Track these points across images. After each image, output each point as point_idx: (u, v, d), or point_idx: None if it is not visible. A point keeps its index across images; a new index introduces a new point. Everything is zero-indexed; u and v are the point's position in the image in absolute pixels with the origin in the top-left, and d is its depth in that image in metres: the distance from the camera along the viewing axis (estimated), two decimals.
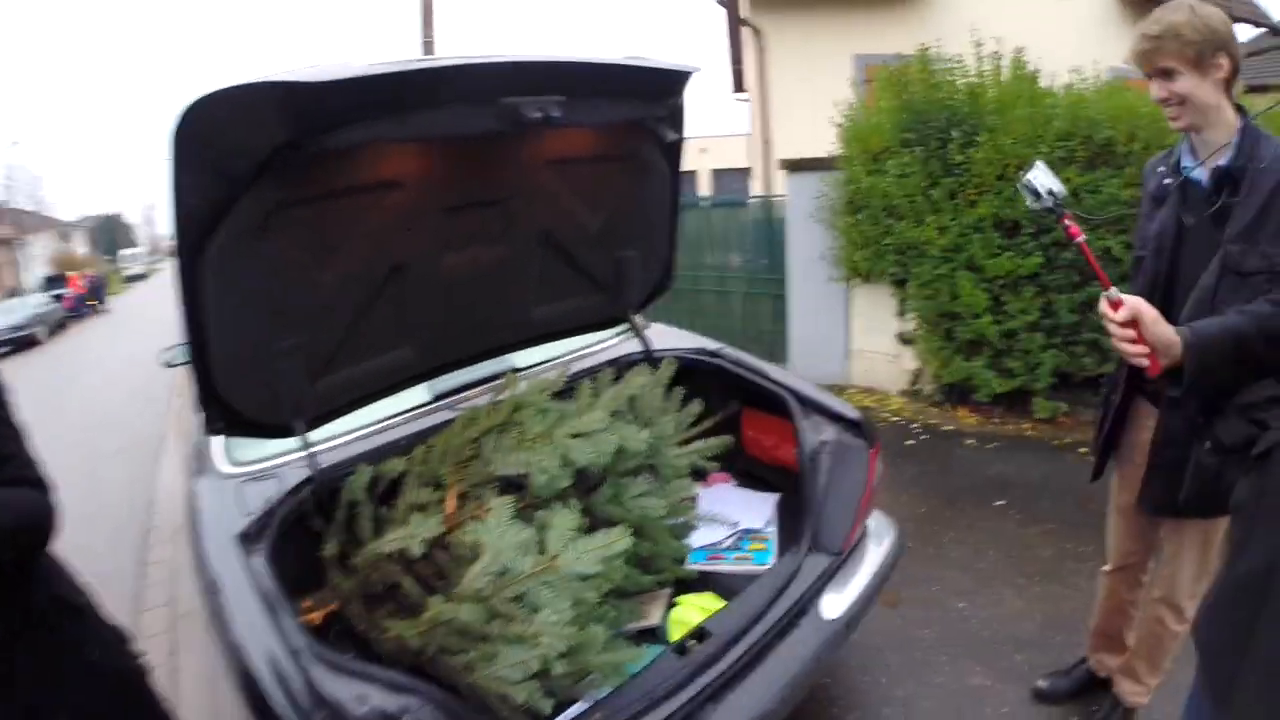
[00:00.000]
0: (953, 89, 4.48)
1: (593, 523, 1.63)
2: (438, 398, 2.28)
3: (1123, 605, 2.17)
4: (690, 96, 1.95)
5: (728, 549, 2.20)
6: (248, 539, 1.59)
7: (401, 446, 1.95)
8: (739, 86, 12.19)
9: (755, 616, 1.69)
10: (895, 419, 4.95)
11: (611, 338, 2.79)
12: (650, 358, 2.51)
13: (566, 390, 2.04)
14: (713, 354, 2.58)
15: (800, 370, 5.58)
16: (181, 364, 2.89)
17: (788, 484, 2.49)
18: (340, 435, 2.04)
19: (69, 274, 25.52)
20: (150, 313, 19.00)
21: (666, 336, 2.72)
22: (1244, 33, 10.66)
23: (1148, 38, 1.57)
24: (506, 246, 1.98)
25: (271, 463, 1.91)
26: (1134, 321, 1.27)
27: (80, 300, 22.92)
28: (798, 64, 8.53)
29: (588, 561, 1.30)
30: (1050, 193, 1.36)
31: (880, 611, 2.75)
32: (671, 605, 1.93)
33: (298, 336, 1.65)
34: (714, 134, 18.03)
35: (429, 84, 1.40)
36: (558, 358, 2.60)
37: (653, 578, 1.82)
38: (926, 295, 4.62)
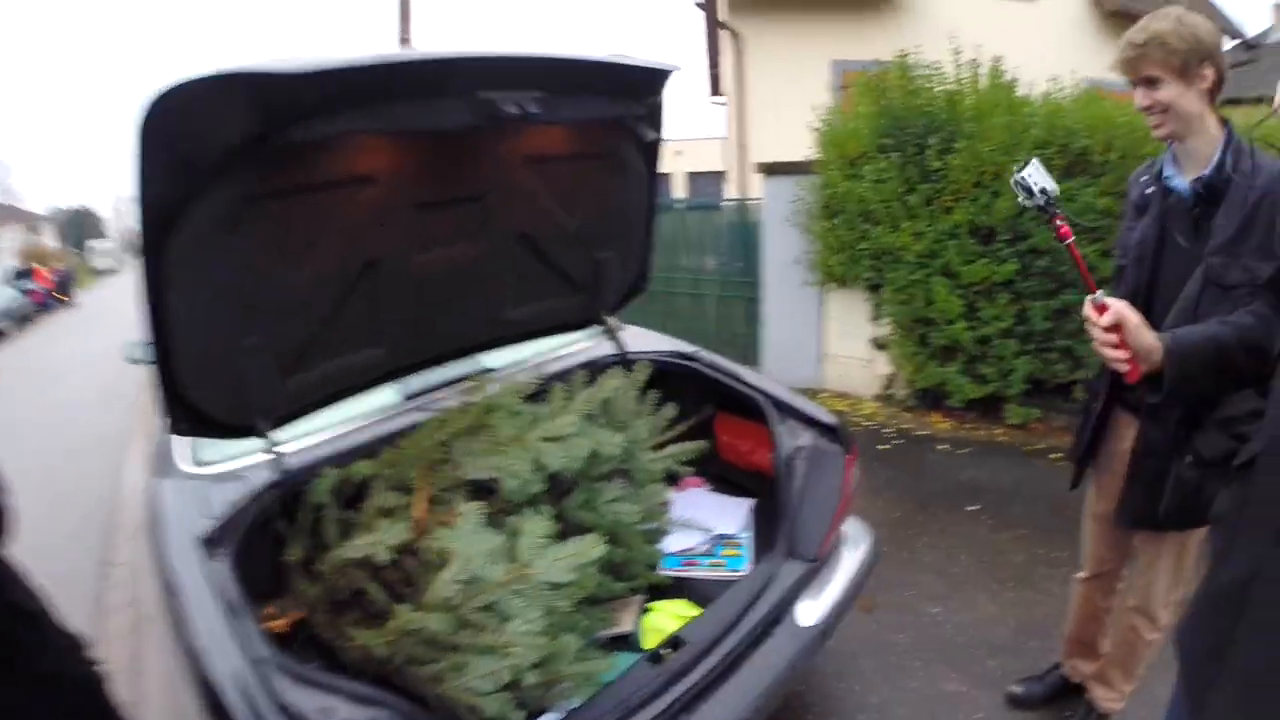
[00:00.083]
0: (931, 95, 4.51)
1: (565, 528, 1.59)
2: (408, 398, 2.23)
3: (1097, 612, 2.18)
4: (669, 96, 1.92)
5: (702, 555, 2.17)
6: (211, 543, 1.54)
7: (370, 448, 1.90)
8: (716, 90, 12.22)
9: (730, 624, 1.66)
10: (869, 423, 4.97)
11: (585, 339, 2.76)
12: (625, 360, 2.48)
13: (539, 393, 2.00)
14: (687, 357, 2.56)
15: (774, 374, 5.57)
16: (145, 361, 2.81)
17: (762, 489, 2.47)
18: (307, 436, 1.98)
19: (37, 267, 24.82)
20: (120, 307, 18.54)
21: (641, 339, 2.69)
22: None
23: (1133, 45, 1.57)
24: (481, 244, 1.93)
25: (236, 463, 1.86)
26: (1117, 326, 1.26)
27: (48, 294, 22.36)
28: (776, 68, 8.57)
29: (560, 570, 1.26)
30: (1043, 191, 1.35)
31: (855, 616, 2.74)
32: (644, 612, 1.90)
33: (265, 334, 1.60)
34: (689, 137, 18.08)
35: (403, 76, 1.36)
36: (530, 359, 2.56)
37: (625, 584, 1.79)
38: (901, 300, 4.64)
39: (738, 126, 9.16)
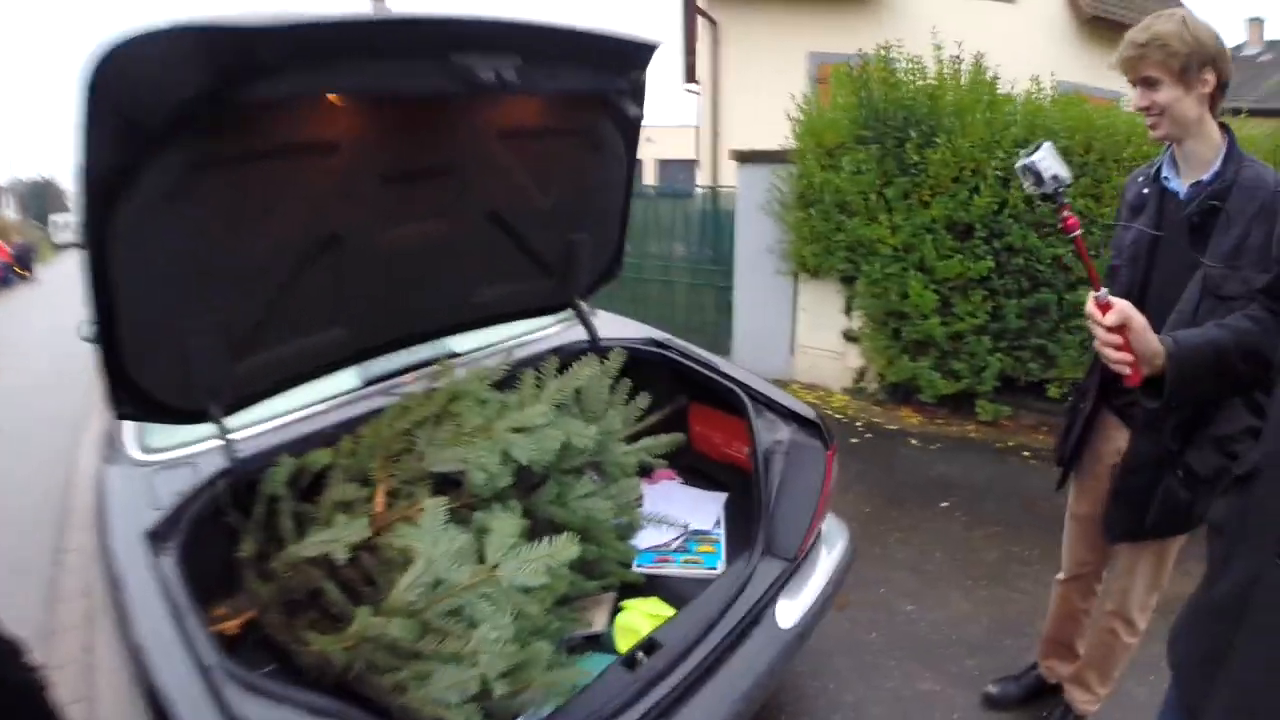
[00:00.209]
0: (913, 89, 4.47)
1: (534, 525, 1.49)
2: (369, 383, 2.11)
3: (1075, 614, 2.17)
4: (651, 74, 1.83)
5: (675, 551, 2.09)
6: (157, 537, 1.44)
7: (328, 436, 1.79)
8: (690, 77, 12.13)
9: (707, 626, 1.59)
10: (838, 417, 4.94)
11: (554, 325, 2.66)
12: (596, 347, 2.39)
13: (508, 380, 1.90)
14: (661, 345, 2.47)
15: (743, 364, 5.52)
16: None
17: (736, 482, 2.41)
18: (262, 422, 1.88)
19: None
20: (83, 283, 17.86)
21: (612, 325, 2.60)
22: None
23: (1134, 45, 1.54)
24: (450, 222, 1.82)
25: (188, 450, 1.75)
26: (1122, 327, 1.20)
27: (8, 269, 21.47)
28: (753, 57, 8.54)
29: (531, 572, 1.16)
30: (1055, 178, 1.28)
31: (829, 614, 2.71)
32: (616, 611, 1.82)
33: (217, 313, 1.50)
34: (660, 124, 17.97)
35: (371, 35, 1.25)
36: (498, 344, 2.45)
37: (597, 582, 1.70)
38: (875, 294, 4.61)
39: (712, 114, 9.11)
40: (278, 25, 1.12)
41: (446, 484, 1.46)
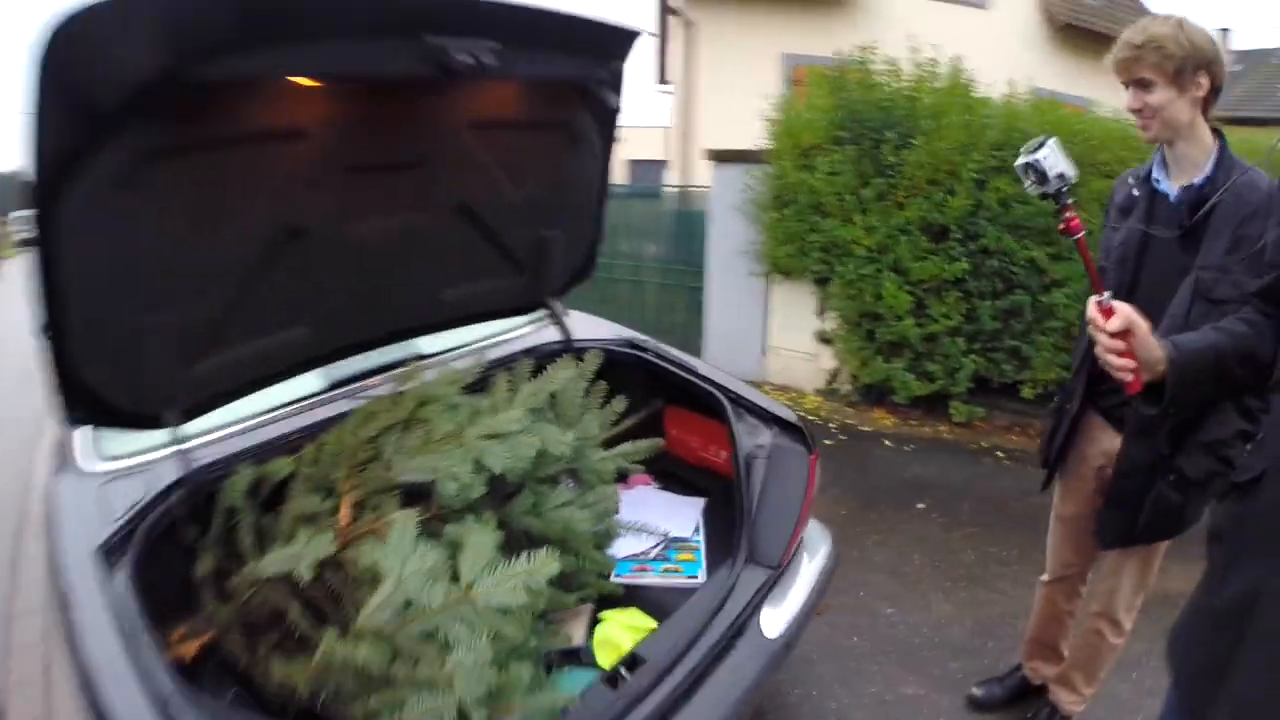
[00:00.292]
0: (891, 90, 4.46)
1: (509, 536, 1.42)
2: (333, 386, 2.01)
3: (1060, 615, 2.16)
4: (630, 64, 1.77)
5: (654, 560, 2.02)
6: (109, 553, 1.35)
7: (289, 443, 1.70)
8: (663, 77, 12.10)
9: (691, 639, 1.52)
10: (812, 418, 4.92)
11: (525, 325, 2.58)
12: (570, 348, 2.32)
13: (479, 383, 1.81)
14: (637, 346, 2.40)
15: (715, 366, 5.47)
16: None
17: (714, 487, 2.35)
18: (220, 428, 1.77)
19: None
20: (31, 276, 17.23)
21: (585, 325, 2.52)
22: None
23: (1129, 46, 1.53)
24: (420, 216, 1.73)
25: (145, 457, 1.65)
26: (1125, 333, 1.16)
27: None
28: (726, 58, 8.53)
29: (509, 591, 1.08)
30: (1060, 176, 1.23)
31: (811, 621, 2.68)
32: (594, 622, 1.74)
33: (173, 310, 1.40)
34: (631, 124, 17.89)
35: (339, 11, 1.16)
36: (468, 345, 2.36)
37: (575, 595, 1.63)
38: (849, 295, 4.60)
39: (684, 115, 9.08)
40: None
41: (415, 495, 1.38)
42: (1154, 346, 1.17)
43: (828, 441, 4.54)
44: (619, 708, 1.31)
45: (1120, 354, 1.17)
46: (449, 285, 2.01)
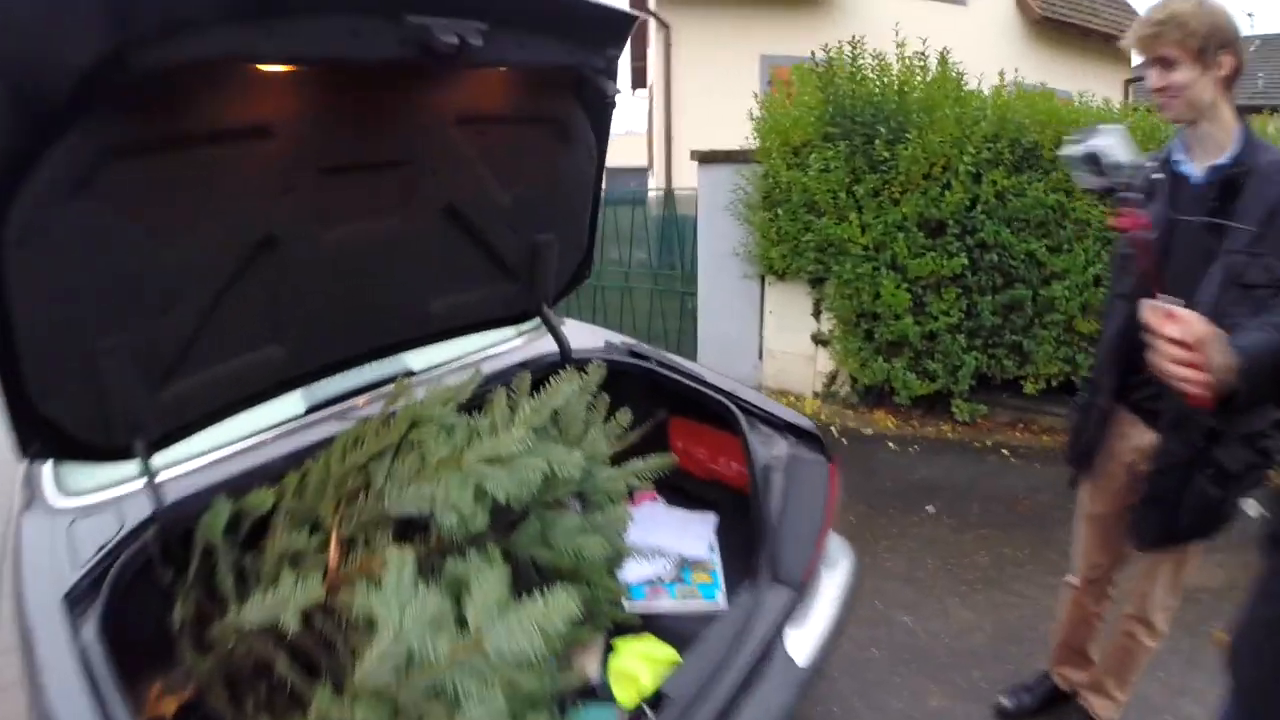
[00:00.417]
0: (882, 84, 4.39)
1: (515, 568, 1.28)
2: (314, 408, 1.87)
3: (1089, 618, 2.10)
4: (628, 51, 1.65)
5: (669, 583, 1.90)
6: (76, 600, 1.24)
7: (270, 472, 1.56)
8: (639, 83, 12.06)
9: (716, 670, 1.40)
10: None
11: (516, 336, 2.45)
12: (568, 360, 2.19)
13: (475, 401, 1.68)
14: (638, 355, 2.28)
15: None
16: None
17: (725, 501, 2.23)
18: (194, 458, 1.65)
19: None
20: None
21: (580, 334, 2.40)
22: (1140, 56, 11.46)
23: (1151, 23, 1.48)
24: (403, 221, 1.60)
25: (115, 491, 1.52)
26: (1195, 343, 1.05)
27: None
28: (704, 61, 8.51)
29: (523, 637, 0.95)
30: (1118, 167, 1.12)
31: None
32: (608, 653, 1.62)
33: (136, 329, 1.28)
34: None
35: None
36: (459, 359, 2.23)
37: (587, 627, 1.49)
38: (846, 295, 4.50)
39: (664, 118, 9.02)
40: None
41: (411, 527, 1.24)
42: (1226, 353, 1.06)
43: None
44: None
45: (1184, 364, 1.05)
46: (436, 295, 1.87)
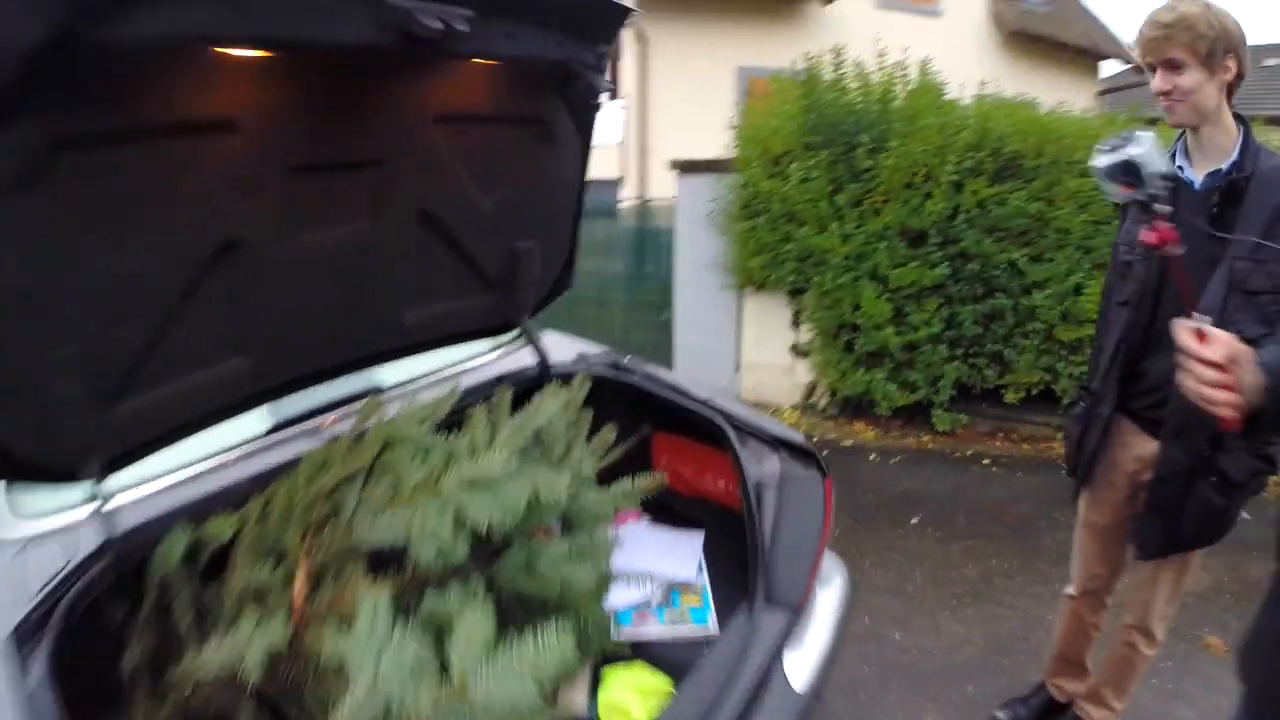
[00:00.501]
0: (864, 92, 4.38)
1: (497, 600, 1.19)
2: (279, 426, 1.76)
3: (1086, 629, 2.09)
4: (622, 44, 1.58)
5: (658, 607, 1.81)
6: (23, 640, 1.12)
7: (232, 497, 1.44)
8: (612, 95, 12.04)
9: (713, 701, 1.31)
10: None
11: (491, 349, 2.34)
12: (549, 374, 2.10)
13: (450, 419, 1.58)
14: (620, 368, 2.19)
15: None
16: None
17: (710, 519, 2.15)
18: (150, 480, 1.52)
19: None
20: None
21: (559, 346, 2.30)
22: (1109, 69, 11.76)
23: (1159, 25, 1.46)
24: (376, 226, 1.50)
25: (68, 517, 1.39)
26: (1228, 363, 1.00)
27: None
28: (682, 72, 8.49)
29: (513, 684, 0.85)
30: (1160, 177, 1.06)
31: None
32: (597, 684, 1.53)
33: (85, 341, 1.17)
34: None
35: None
36: (433, 373, 2.12)
37: (575, 658, 1.40)
38: (826, 305, 4.46)
39: (639, 129, 8.98)
40: None
41: (384, 559, 1.14)
42: (1255, 373, 1.02)
43: None
44: None
45: (1217, 385, 1.00)
46: (410, 305, 1.76)
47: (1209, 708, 2.33)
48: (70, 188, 1.02)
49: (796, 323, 4.91)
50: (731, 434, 1.85)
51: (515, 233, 1.86)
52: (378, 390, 1.91)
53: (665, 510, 2.21)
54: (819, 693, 1.55)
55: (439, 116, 1.44)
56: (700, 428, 1.97)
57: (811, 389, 5.02)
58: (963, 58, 8.61)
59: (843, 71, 4.51)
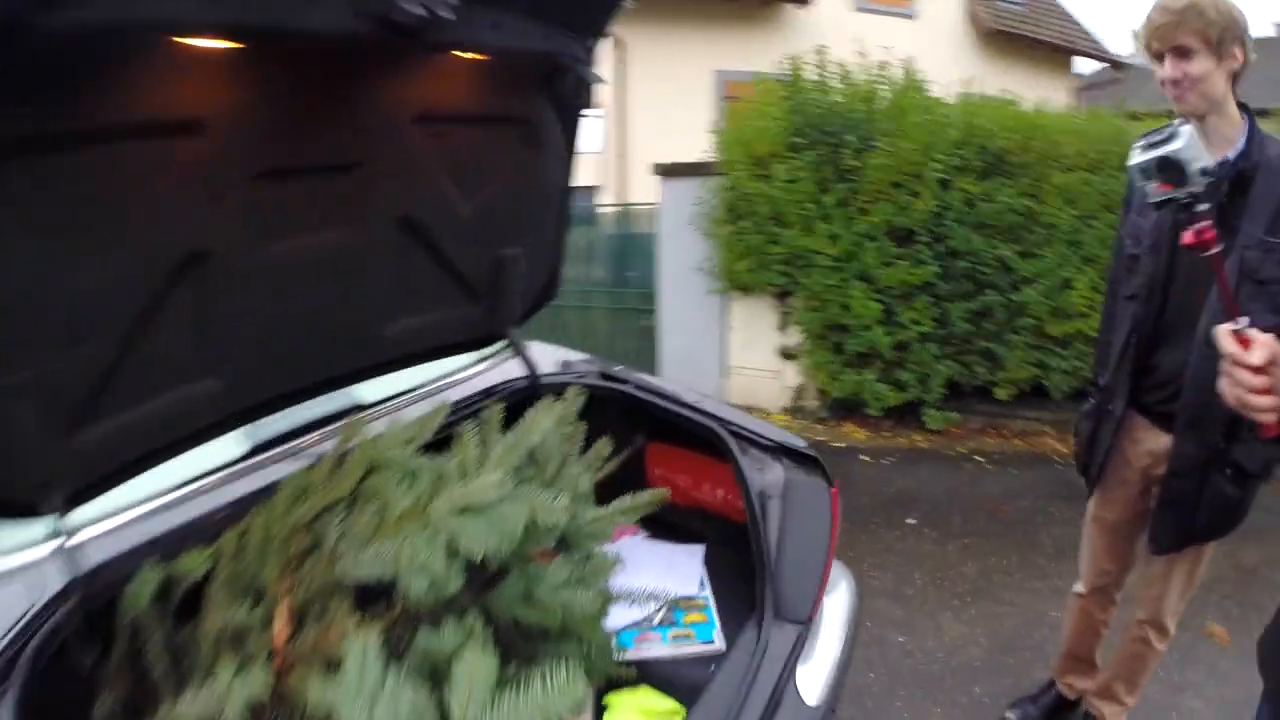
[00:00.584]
0: (849, 92, 4.35)
1: (496, 631, 1.10)
2: (254, 450, 1.66)
3: (1095, 626, 2.08)
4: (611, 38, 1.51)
5: (661, 625, 1.73)
6: None
7: (206, 528, 1.34)
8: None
9: None
10: None
11: (475, 361, 2.22)
12: (538, 386, 2.01)
13: (435, 439, 1.50)
14: (612, 378, 2.12)
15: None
16: None
17: (709, 530, 2.08)
18: (117, 513, 1.40)
19: None
20: None
21: (545, 357, 2.22)
22: (1084, 66, 11.90)
23: (1169, 11, 1.45)
24: (354, 234, 1.40)
25: (35, 553, 1.28)
26: (1269, 365, 0.95)
27: None
28: (659, 77, 8.45)
29: None
30: (1204, 172, 1.02)
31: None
32: (601, 711, 1.45)
33: (37, 365, 1.08)
34: None
35: None
36: (416, 389, 2.02)
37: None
38: (814, 307, 4.43)
39: (618, 135, 8.93)
40: None
41: (372, 593, 1.06)
42: None
43: None
44: None
45: (1260, 391, 0.96)
46: (391, 317, 1.67)
47: (1216, 697, 2.33)
48: (19, 195, 0.93)
49: (784, 325, 4.86)
50: (732, 443, 1.78)
51: (500, 239, 1.78)
52: (359, 408, 1.82)
53: (662, 523, 2.13)
54: (833, 706, 1.49)
55: (419, 116, 1.35)
56: (696, 436, 1.89)
57: (800, 392, 4.98)
58: (940, 58, 8.66)
59: (827, 72, 4.48)
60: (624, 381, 2.09)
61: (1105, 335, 1.83)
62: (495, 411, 1.48)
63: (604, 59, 6.45)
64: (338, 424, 1.69)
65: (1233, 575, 2.95)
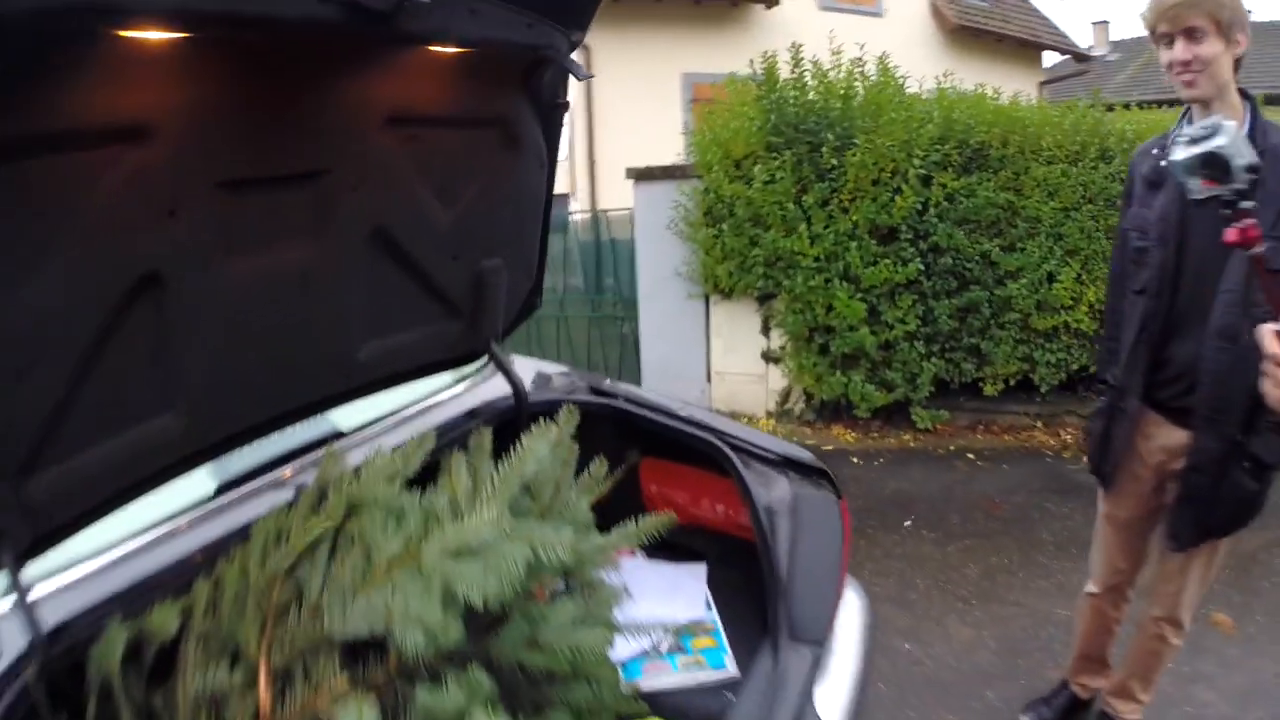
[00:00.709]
0: (824, 91, 4.31)
1: (498, 677, 1.00)
2: (224, 487, 1.54)
3: (1109, 625, 2.06)
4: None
5: (669, 653, 1.63)
6: None
7: (175, 579, 1.22)
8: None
9: None
10: None
11: (452, 380, 2.11)
12: (525, 405, 1.90)
13: (425, 469, 1.38)
14: (601, 391, 2.02)
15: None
16: None
17: (709, 548, 1.99)
18: (78, 563, 1.29)
19: None
20: None
21: (526, 370, 2.10)
22: (1049, 59, 12.08)
23: None
24: (322, 249, 1.28)
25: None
26: None
27: None
28: (626, 80, 8.38)
29: None
30: (1249, 168, 0.97)
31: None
32: None
33: None
34: None
35: None
36: (395, 412, 1.89)
37: None
38: (797, 309, 4.36)
39: (587, 141, 8.87)
40: None
41: (361, 649, 0.95)
42: None
43: None
44: None
45: None
46: (364, 338, 1.54)
47: (1227, 687, 2.31)
48: None
49: (767, 329, 4.79)
50: (734, 457, 1.69)
51: (479, 250, 1.66)
52: (336, 435, 1.71)
53: (660, 543, 2.03)
54: None
55: (391, 118, 1.24)
56: (692, 450, 1.81)
57: (786, 395, 4.91)
58: (909, 56, 8.68)
59: (801, 70, 4.43)
60: (614, 395, 2.00)
61: (1112, 332, 1.80)
62: (484, 437, 1.37)
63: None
64: (314, 454, 1.58)
65: (1232, 562, 2.92)
